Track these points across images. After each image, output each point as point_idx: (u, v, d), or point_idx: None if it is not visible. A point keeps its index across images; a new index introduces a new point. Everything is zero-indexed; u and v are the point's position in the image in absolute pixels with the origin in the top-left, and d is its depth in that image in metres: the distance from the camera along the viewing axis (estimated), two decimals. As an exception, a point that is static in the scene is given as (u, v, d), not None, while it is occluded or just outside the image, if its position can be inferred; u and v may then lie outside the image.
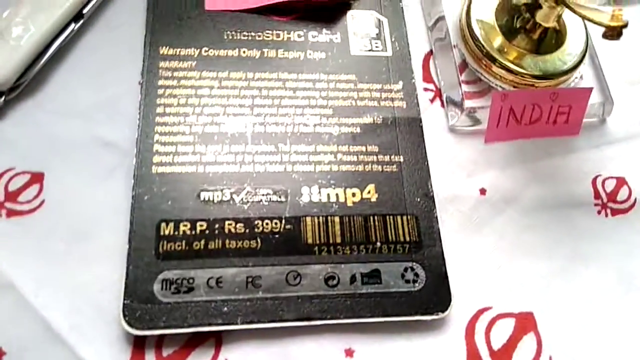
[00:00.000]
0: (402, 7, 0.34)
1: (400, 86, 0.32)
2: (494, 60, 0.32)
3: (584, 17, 0.29)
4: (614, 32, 0.28)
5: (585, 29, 0.33)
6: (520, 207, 0.31)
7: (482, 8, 0.33)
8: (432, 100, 0.33)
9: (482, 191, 0.31)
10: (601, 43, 0.34)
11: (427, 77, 0.34)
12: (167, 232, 0.26)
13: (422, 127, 0.31)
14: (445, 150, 0.31)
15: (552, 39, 0.32)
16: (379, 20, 0.34)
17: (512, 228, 0.30)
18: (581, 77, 0.34)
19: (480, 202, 0.30)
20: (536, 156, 0.32)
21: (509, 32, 0.32)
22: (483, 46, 0.32)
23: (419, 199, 0.29)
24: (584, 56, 0.33)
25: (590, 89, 0.31)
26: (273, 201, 0.27)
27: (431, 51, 0.34)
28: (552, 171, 0.32)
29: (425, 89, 0.33)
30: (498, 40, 0.32)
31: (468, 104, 0.32)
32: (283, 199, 0.28)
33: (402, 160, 0.30)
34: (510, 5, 0.32)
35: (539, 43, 0.32)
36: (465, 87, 0.33)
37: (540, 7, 0.31)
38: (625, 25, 0.28)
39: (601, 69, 0.34)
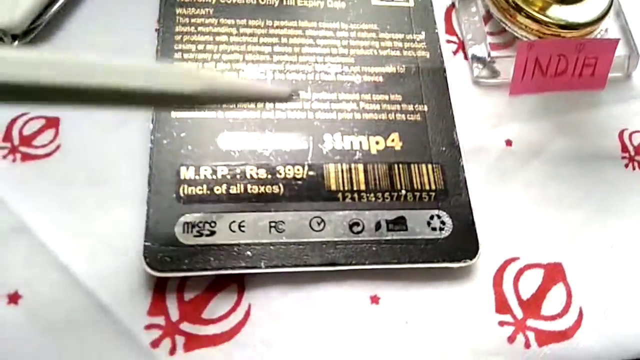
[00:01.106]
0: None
1: (423, 36, 0.31)
2: (519, 9, 0.31)
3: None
4: None
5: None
6: (546, 158, 0.30)
7: None
8: (455, 53, 0.32)
9: (508, 142, 0.30)
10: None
11: (450, 30, 0.33)
12: (187, 177, 0.25)
13: (446, 77, 0.30)
14: (470, 102, 0.31)
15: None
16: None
17: (539, 179, 0.29)
18: (606, 30, 0.33)
19: (506, 153, 0.30)
20: (561, 109, 0.31)
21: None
22: (508, -2, 0.31)
23: (444, 148, 0.28)
24: (609, 7, 0.32)
25: (617, 40, 0.30)
26: (295, 148, 0.27)
27: (454, 3, 0.33)
28: (578, 124, 0.31)
29: (448, 41, 0.32)
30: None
31: (493, 54, 0.31)
32: (305, 145, 0.27)
33: (426, 109, 0.29)
34: None
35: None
36: (489, 39, 0.32)
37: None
38: None
39: (627, 22, 0.33)
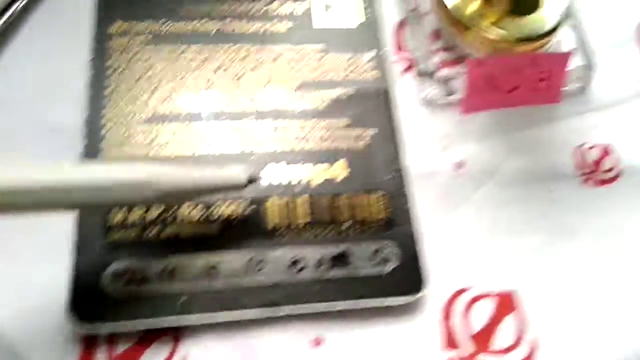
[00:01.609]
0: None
1: (371, 56, 0.30)
2: (469, 24, 0.30)
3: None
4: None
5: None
6: (499, 180, 0.29)
7: None
8: (404, 72, 0.31)
9: (459, 165, 0.29)
10: (584, 3, 0.33)
11: (400, 47, 0.31)
12: (116, 220, 0.24)
13: (394, 98, 0.29)
14: (419, 123, 0.30)
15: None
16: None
17: (492, 203, 0.28)
18: (562, 40, 0.32)
19: (457, 176, 0.29)
20: (516, 126, 0.30)
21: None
22: (457, 10, 0.30)
23: (390, 175, 0.27)
24: (564, 18, 0.31)
25: (570, 53, 0.29)
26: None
27: (404, 20, 0.32)
28: (533, 141, 0.30)
29: (398, 60, 0.31)
30: (472, 2, 0.30)
31: (443, 72, 0.30)
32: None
33: (373, 134, 0.28)
34: None
35: (517, 3, 0.30)
36: (440, 55, 0.31)
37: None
38: None
39: (583, 32, 0.32)
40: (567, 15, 0.31)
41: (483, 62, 0.28)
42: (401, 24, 0.32)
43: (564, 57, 0.29)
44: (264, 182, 0.26)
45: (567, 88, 0.31)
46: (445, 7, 0.30)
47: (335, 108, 0.28)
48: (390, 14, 0.32)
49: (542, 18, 0.30)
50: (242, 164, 0.24)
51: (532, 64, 0.29)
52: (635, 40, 0.33)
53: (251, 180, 0.23)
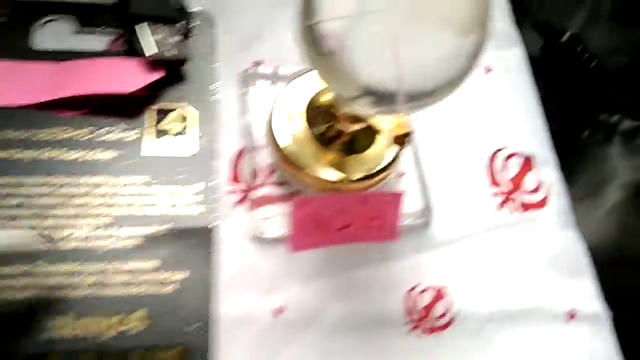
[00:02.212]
0: (215, 101, 0.32)
1: (200, 189, 0.29)
2: (300, 165, 0.29)
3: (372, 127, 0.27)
4: (400, 140, 0.26)
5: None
6: (322, 327, 0.27)
7: (289, 109, 0.30)
8: (237, 204, 0.30)
9: (279, 310, 0.27)
10: (422, 135, 0.33)
11: (235, 178, 0.31)
12: None
13: (216, 236, 0.28)
14: (244, 262, 0.28)
15: (364, 137, 0.30)
16: (186, 114, 0.31)
17: (313, 354, 0.27)
18: (400, 175, 0.32)
19: (276, 323, 0.27)
20: (349, 265, 0.29)
21: (316, 135, 0.30)
22: (290, 150, 0.29)
23: (197, 326, 0.25)
24: (396, 157, 0.30)
25: (400, 194, 0.29)
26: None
27: (242, 150, 0.31)
28: (364, 283, 0.29)
29: (231, 192, 0.30)
30: (304, 142, 0.30)
31: (271, 210, 0.29)
32: (22, 333, 0.24)
33: (184, 277, 0.26)
34: (313, 110, 0.30)
35: (349, 144, 0.30)
36: (270, 191, 0.30)
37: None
38: (408, 134, 0.26)
39: (420, 165, 0.32)
40: (399, 155, 0.31)
41: (309, 202, 0.28)
42: (239, 154, 0.31)
43: (394, 197, 0.29)
44: (45, 335, 0.24)
45: (407, 223, 0.31)
46: (278, 146, 0.29)
47: (146, 248, 0.27)
48: (230, 143, 0.31)
49: (377, 155, 0.30)
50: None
51: (362, 203, 0.28)
52: (481, 177, 0.33)
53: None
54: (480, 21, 0.20)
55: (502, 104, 0.36)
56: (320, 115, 0.29)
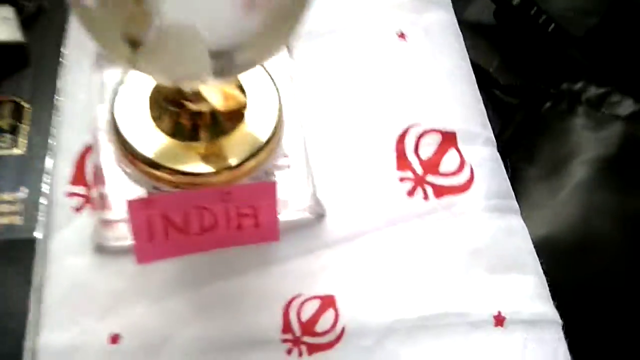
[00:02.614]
0: (59, 91, 0.27)
1: (24, 195, 0.24)
2: (147, 160, 0.24)
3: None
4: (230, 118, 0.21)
5: (277, 90, 0.26)
6: (171, 356, 0.22)
7: (133, 100, 0.25)
8: (80, 209, 0.25)
9: (115, 338, 0.22)
10: (314, 111, 0.27)
11: (79, 179, 0.26)
12: None
13: (44, 250, 0.23)
14: (78, 280, 0.23)
15: (227, 117, 0.25)
16: (19, 109, 0.26)
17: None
18: (282, 162, 0.26)
19: (112, 353, 0.22)
20: (213, 276, 0.24)
21: (164, 124, 0.24)
22: (129, 143, 0.24)
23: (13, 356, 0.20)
24: (274, 133, 0.25)
25: (274, 183, 0.23)
26: None
27: (88, 148, 0.26)
28: (232, 296, 0.24)
29: (72, 194, 0.25)
30: (152, 135, 0.24)
31: (114, 214, 0.24)
32: None
33: (-11, 304, 0.21)
34: (158, 97, 0.25)
35: (207, 128, 0.25)
36: (118, 193, 0.25)
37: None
38: (242, 107, 0.21)
39: (307, 148, 0.26)
40: (281, 126, 0.25)
41: (150, 203, 0.22)
42: (85, 152, 0.26)
43: (267, 188, 0.23)
44: None
45: (292, 219, 0.25)
46: (117, 138, 0.24)
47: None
48: (74, 139, 0.26)
49: (247, 137, 0.25)
50: None
51: (224, 200, 0.23)
52: (387, 160, 0.28)
53: None
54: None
55: (417, 73, 0.31)
56: (165, 101, 0.24)
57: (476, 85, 0.32)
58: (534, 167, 0.38)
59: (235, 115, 0.25)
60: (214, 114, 0.24)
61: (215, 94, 0.22)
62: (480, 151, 0.29)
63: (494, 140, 0.31)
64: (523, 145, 0.39)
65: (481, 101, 0.32)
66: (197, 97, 0.23)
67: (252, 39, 0.17)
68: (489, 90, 0.42)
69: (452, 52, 0.32)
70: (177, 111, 0.24)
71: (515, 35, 0.43)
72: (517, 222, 0.28)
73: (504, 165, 0.30)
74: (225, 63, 0.17)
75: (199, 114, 0.24)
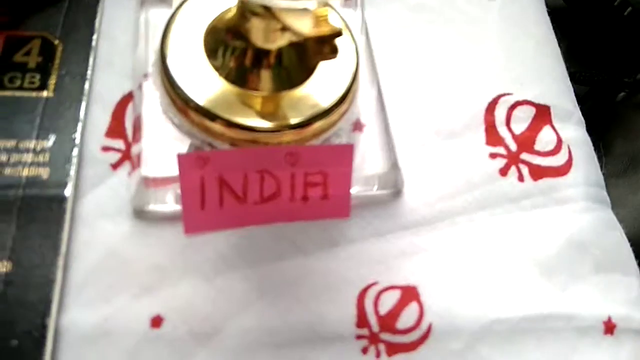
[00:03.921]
0: (95, 31, 0.23)
1: (50, 144, 0.20)
2: (201, 108, 0.20)
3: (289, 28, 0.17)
4: (323, 48, 0.17)
5: (354, 42, 0.22)
6: (224, 346, 0.18)
7: (185, 39, 0.21)
8: (116, 166, 0.21)
9: (156, 320, 0.18)
10: (391, 71, 0.23)
11: (117, 131, 0.21)
12: None
13: (74, 211, 0.19)
14: (113, 249, 0.19)
15: (296, 65, 0.21)
16: (48, 45, 0.22)
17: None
18: (356, 125, 0.22)
19: (154, 339, 0.18)
20: (273, 256, 0.20)
21: (223, 67, 0.20)
22: (180, 88, 0.20)
23: (26, 339, 0.16)
24: (350, 88, 0.21)
25: (352, 146, 0.19)
26: None
27: (130, 94, 0.22)
28: (296, 280, 0.20)
29: (108, 148, 0.21)
30: (207, 80, 0.20)
31: (158, 172, 0.20)
32: None
33: (7, 270, 0.17)
34: (218, 34, 0.21)
35: (275, 75, 0.20)
36: (164, 148, 0.21)
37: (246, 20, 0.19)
38: (336, 34, 0.17)
39: (386, 112, 0.22)
40: (358, 85, 0.21)
41: (206, 161, 0.18)
42: (124, 100, 0.22)
43: (345, 150, 0.19)
44: None
45: (364, 193, 0.21)
46: (167, 84, 0.20)
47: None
48: (112, 85, 0.22)
49: (317, 93, 0.21)
50: None
51: (291, 163, 0.19)
52: (475, 132, 0.24)
53: None
54: None
55: (508, 38, 0.27)
56: (225, 40, 0.20)
57: (562, 61, 0.28)
58: (610, 162, 0.34)
59: (306, 63, 0.21)
60: (283, 57, 0.20)
61: (303, 18, 0.18)
62: (575, 131, 0.25)
63: (584, 122, 0.27)
64: (595, 136, 0.36)
65: (568, 77, 0.28)
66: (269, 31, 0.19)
67: None
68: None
69: (540, 22, 0.28)
70: (241, 47, 0.20)
71: (587, 19, 0.39)
72: (612, 217, 0.24)
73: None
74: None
75: (266, 53, 0.20)
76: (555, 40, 0.29)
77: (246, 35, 0.19)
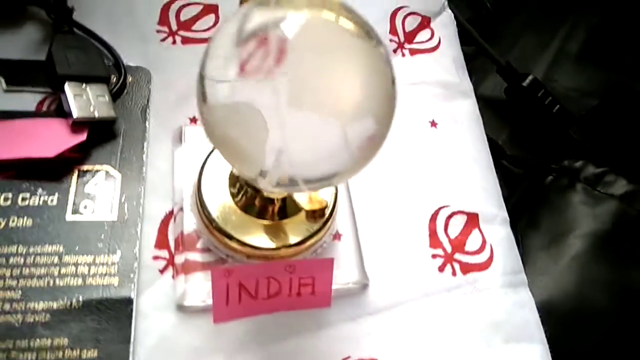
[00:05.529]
0: (144, 161, 0.31)
1: (118, 257, 0.28)
2: (224, 232, 0.28)
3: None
4: (314, 214, 0.25)
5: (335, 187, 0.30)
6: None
7: (215, 175, 0.29)
8: (163, 271, 0.29)
9: (196, 390, 0.26)
10: (359, 194, 0.32)
11: (162, 243, 0.29)
12: None
13: (132, 309, 0.27)
14: (165, 335, 0.27)
15: (293, 203, 0.29)
16: (110, 177, 0.30)
17: None
18: (335, 236, 0.31)
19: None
20: (277, 336, 0.28)
21: (241, 202, 0.29)
22: (210, 215, 0.28)
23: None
24: (330, 216, 0.29)
25: (331, 260, 0.28)
26: None
27: (169, 214, 0.30)
28: (292, 354, 0.28)
29: (157, 257, 0.29)
30: (229, 209, 0.28)
31: (196, 277, 0.28)
32: None
33: (95, 356, 0.25)
34: (237, 177, 0.29)
35: (278, 210, 0.29)
36: (196, 257, 0.29)
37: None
38: (324, 208, 0.25)
39: (356, 226, 0.31)
40: (335, 211, 0.30)
41: (230, 273, 0.27)
42: (167, 218, 0.30)
43: (324, 264, 0.28)
44: None
45: (341, 288, 0.29)
46: (201, 209, 0.28)
47: (56, 324, 0.25)
48: (157, 206, 0.30)
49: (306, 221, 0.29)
50: None
51: (290, 272, 0.27)
52: (421, 238, 0.32)
53: None
54: (370, 108, 0.19)
55: (447, 159, 0.35)
56: (243, 182, 0.28)
57: (494, 169, 0.37)
58: (537, 235, 0.42)
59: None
60: (284, 199, 0.28)
61: (303, 196, 0.26)
62: (498, 231, 0.34)
63: (508, 219, 0.35)
64: (527, 212, 0.44)
65: (497, 183, 0.36)
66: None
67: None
68: (497, 159, 0.47)
69: (476, 139, 0.37)
70: (253, 193, 0.28)
71: (524, 112, 0.47)
72: (526, 295, 0.33)
73: (514, 237, 0.34)
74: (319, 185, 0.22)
75: (271, 199, 0.28)
76: (488, 151, 0.37)
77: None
